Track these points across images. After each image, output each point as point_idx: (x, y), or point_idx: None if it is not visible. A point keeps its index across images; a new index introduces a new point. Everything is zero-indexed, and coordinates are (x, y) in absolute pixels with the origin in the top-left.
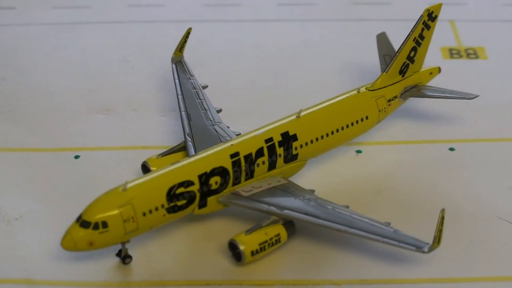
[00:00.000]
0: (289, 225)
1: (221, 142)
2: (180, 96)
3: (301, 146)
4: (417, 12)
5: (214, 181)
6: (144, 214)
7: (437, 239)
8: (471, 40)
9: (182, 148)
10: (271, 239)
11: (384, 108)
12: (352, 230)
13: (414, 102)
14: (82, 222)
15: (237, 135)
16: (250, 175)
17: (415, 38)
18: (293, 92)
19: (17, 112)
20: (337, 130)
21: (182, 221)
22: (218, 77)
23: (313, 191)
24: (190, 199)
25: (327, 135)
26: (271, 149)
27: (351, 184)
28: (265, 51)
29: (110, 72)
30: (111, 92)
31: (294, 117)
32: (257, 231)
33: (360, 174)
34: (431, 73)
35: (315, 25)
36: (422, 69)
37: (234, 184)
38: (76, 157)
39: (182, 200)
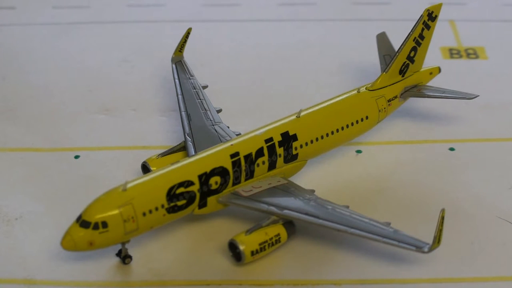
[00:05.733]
0: (289, 225)
1: (221, 142)
2: (180, 96)
3: (301, 146)
4: (417, 12)
5: (214, 181)
6: (144, 214)
7: (437, 239)
8: (471, 40)
9: (182, 148)
10: (271, 239)
11: (384, 108)
12: (352, 230)
13: (414, 102)
14: (82, 222)
15: (237, 135)
16: (250, 175)
17: (415, 38)
18: (293, 92)
19: (17, 112)
20: (337, 130)
21: (182, 221)
22: (218, 77)
23: (313, 191)
24: (190, 199)
25: (327, 135)
26: (271, 149)
27: (351, 184)
28: (265, 51)
29: (110, 72)
30: (111, 92)
31: (294, 117)
32: (257, 231)
33: (360, 174)
34: (431, 73)
35: (315, 25)
36: (422, 69)
37: (234, 184)
38: (76, 157)
39: (182, 200)
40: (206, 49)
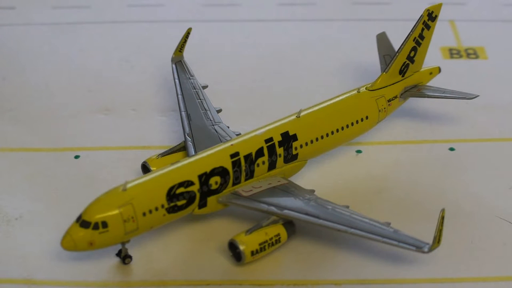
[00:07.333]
0: (289, 225)
1: (221, 142)
2: (180, 96)
3: (301, 146)
4: (417, 12)
5: (214, 181)
6: (144, 214)
7: (437, 239)
8: (471, 40)
9: (182, 148)
10: (271, 239)
11: (384, 108)
12: (352, 230)
13: (414, 102)
14: (82, 222)
15: (237, 135)
16: (250, 175)
17: (415, 38)
18: (293, 92)
19: (17, 112)
20: (337, 130)
21: (182, 221)
22: (218, 77)
23: (313, 191)
24: (190, 199)
25: (327, 135)
26: (271, 149)
27: (351, 184)
28: (265, 51)
29: (110, 72)
30: (111, 92)
31: (294, 117)
32: (257, 231)
33: (360, 174)
34: (431, 73)
35: (315, 25)
36: (422, 69)
37: (234, 184)
38: (76, 157)
39: (182, 200)
40: (206, 49)
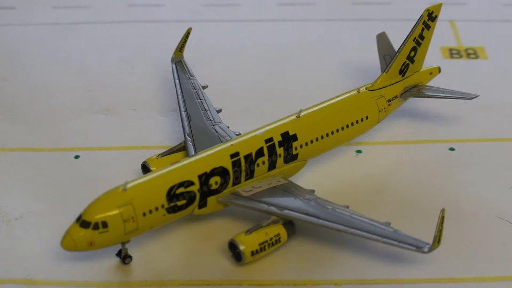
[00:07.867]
0: (289, 225)
1: (221, 142)
2: (180, 96)
3: (301, 146)
4: (417, 12)
5: (214, 181)
6: (144, 214)
7: (437, 239)
8: (471, 40)
9: (182, 148)
10: (271, 239)
11: (384, 108)
12: (352, 230)
13: (414, 102)
14: (82, 222)
15: (237, 135)
16: (250, 175)
17: (415, 38)
18: (293, 92)
19: (17, 112)
20: (337, 130)
21: (182, 221)
22: (218, 77)
23: (313, 191)
24: (190, 199)
25: (327, 135)
26: (271, 149)
27: (351, 184)
28: (265, 51)
29: (110, 72)
30: (111, 92)
31: (294, 117)
32: (257, 231)
33: (360, 174)
34: (431, 73)
35: (315, 25)
36: (422, 69)
37: (234, 184)
38: (76, 157)
39: (182, 200)
40: (206, 49)
